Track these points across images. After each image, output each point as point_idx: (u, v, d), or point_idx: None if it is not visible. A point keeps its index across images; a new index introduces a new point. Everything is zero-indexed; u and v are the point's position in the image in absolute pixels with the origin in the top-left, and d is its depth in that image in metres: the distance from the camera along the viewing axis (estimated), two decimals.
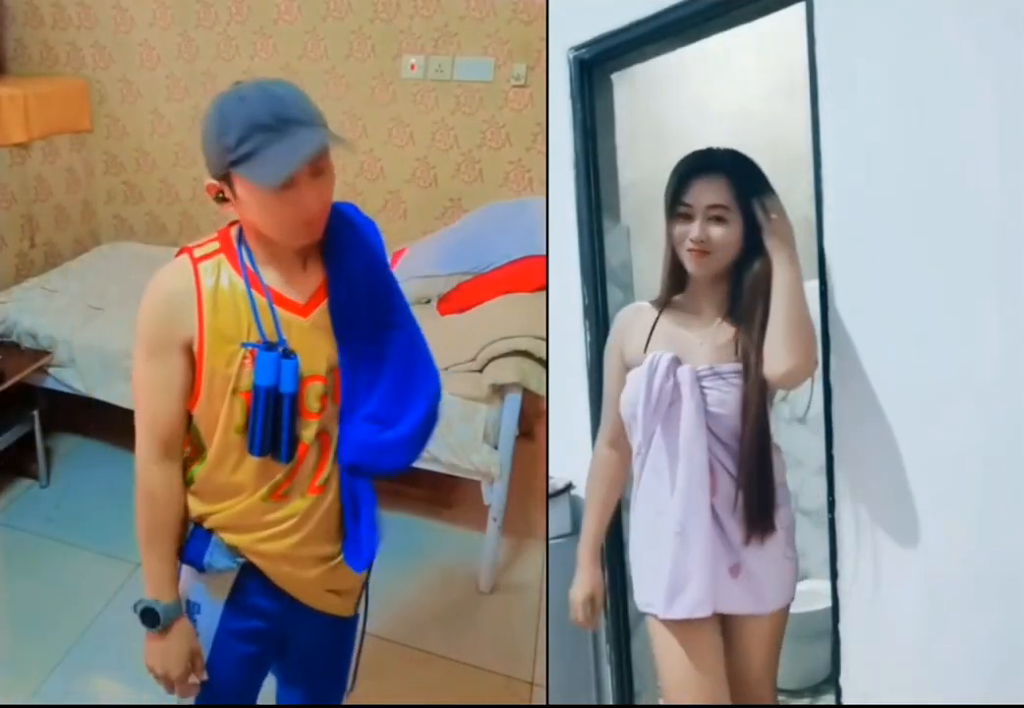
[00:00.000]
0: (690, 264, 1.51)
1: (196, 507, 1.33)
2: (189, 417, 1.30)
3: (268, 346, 1.23)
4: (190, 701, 1.40)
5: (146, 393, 1.28)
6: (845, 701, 1.63)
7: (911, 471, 1.46)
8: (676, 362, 1.50)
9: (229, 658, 1.39)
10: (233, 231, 1.28)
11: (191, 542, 1.34)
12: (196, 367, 1.24)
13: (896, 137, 1.44)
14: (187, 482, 1.33)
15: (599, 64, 2.11)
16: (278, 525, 1.32)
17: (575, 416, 2.23)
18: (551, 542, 2.25)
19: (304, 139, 1.14)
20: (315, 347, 1.27)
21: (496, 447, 2.55)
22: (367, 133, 3.69)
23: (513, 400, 2.52)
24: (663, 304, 1.61)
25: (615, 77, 2.16)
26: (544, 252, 2.35)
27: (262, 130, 1.12)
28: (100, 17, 3.74)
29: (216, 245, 1.27)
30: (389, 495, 2.92)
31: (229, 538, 1.32)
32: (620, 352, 1.62)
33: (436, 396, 1.39)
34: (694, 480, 1.48)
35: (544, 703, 2.22)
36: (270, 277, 1.26)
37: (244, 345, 1.22)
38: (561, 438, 2.25)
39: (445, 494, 3.01)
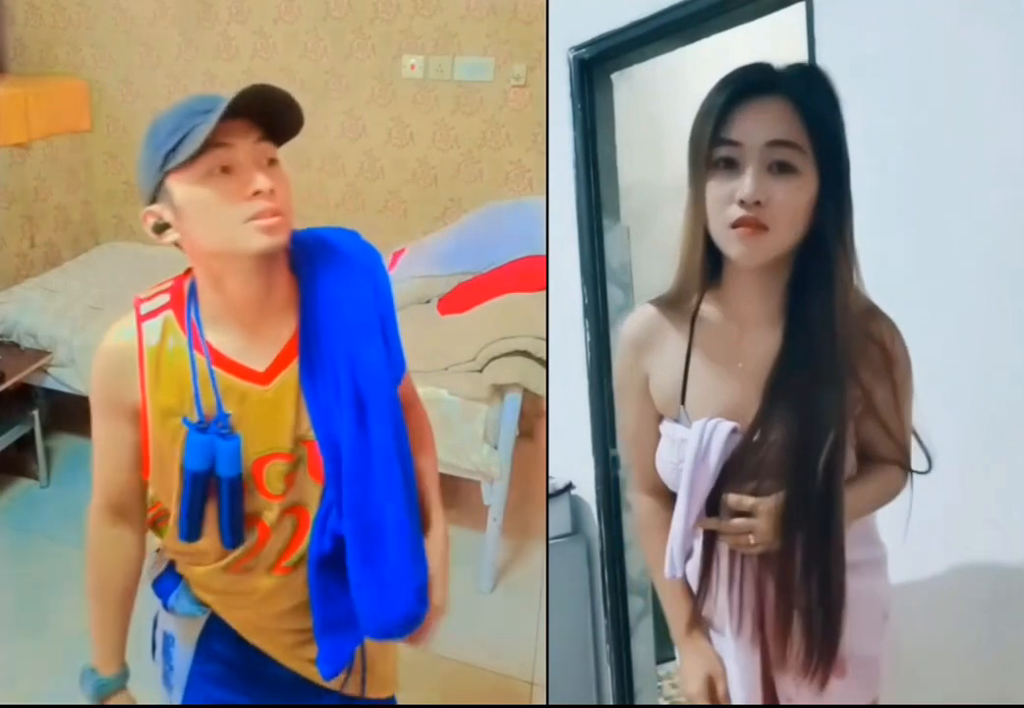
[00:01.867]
0: (735, 245, 0.99)
1: (169, 548, 1.20)
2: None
3: (200, 426, 1.05)
4: None
5: (98, 453, 1.19)
6: None
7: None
8: (735, 433, 1.08)
9: (203, 700, 1.27)
10: (187, 282, 1.11)
11: (162, 578, 1.24)
12: (143, 438, 1.12)
13: (896, 137, 1.44)
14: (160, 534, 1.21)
15: (599, 64, 2.11)
16: (243, 596, 1.18)
17: (575, 416, 2.23)
18: (551, 542, 2.25)
19: (233, 95, 0.96)
20: (277, 420, 1.08)
21: (496, 447, 2.55)
22: (367, 133, 3.69)
23: (513, 400, 2.52)
24: (691, 322, 1.12)
25: (615, 77, 2.16)
26: (544, 252, 2.36)
27: (194, 115, 0.98)
28: (100, 17, 3.74)
29: (165, 298, 1.11)
30: None
31: (197, 591, 1.21)
32: (642, 384, 1.19)
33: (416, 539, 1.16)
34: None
35: (544, 703, 2.22)
36: (223, 337, 1.07)
37: (184, 421, 1.06)
38: (561, 438, 2.25)
39: (445, 494, 2.99)
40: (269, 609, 1.19)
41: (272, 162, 1.02)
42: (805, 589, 1.05)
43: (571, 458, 2.26)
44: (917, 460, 1.14)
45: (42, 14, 3.77)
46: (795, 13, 1.56)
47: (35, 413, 2.94)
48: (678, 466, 1.10)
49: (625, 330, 1.20)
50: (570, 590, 2.28)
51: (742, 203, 0.97)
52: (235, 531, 1.09)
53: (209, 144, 0.95)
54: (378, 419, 1.08)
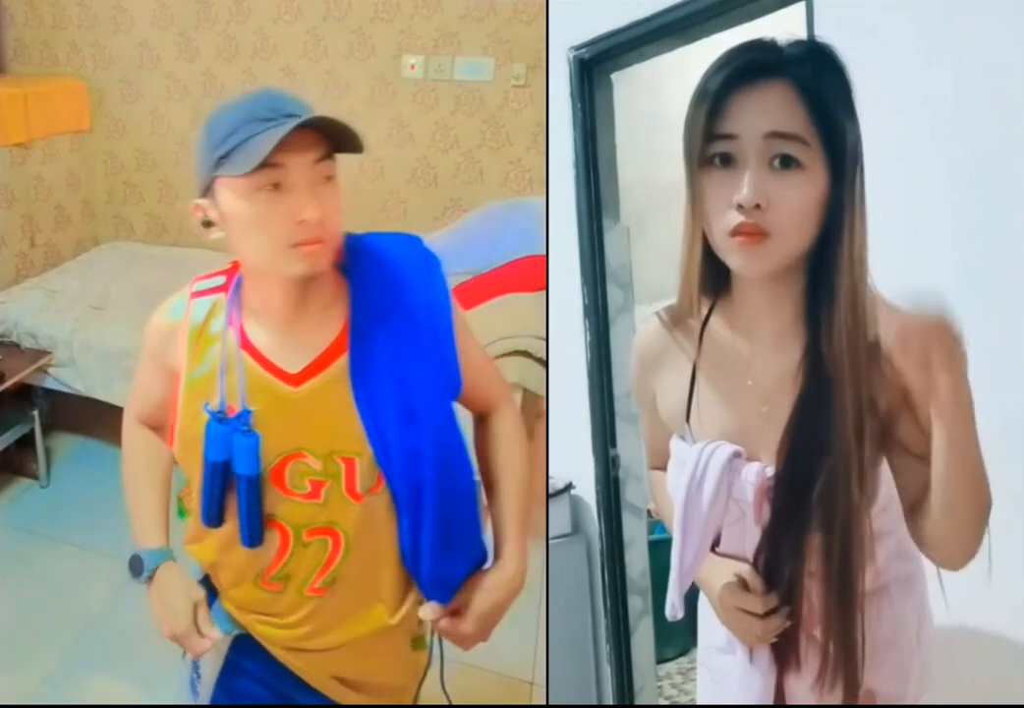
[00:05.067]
0: (734, 256, 0.90)
1: (207, 554, 1.19)
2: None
3: (221, 417, 1.05)
4: (209, 677, 1.27)
5: (137, 382, 1.26)
6: None
7: None
8: (737, 457, 0.98)
9: None
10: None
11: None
12: (173, 407, 1.12)
13: (896, 137, 1.44)
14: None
15: (599, 64, 2.11)
16: (279, 617, 1.17)
17: (575, 416, 2.24)
18: (551, 542, 2.25)
19: (290, 124, 0.93)
20: (306, 425, 1.06)
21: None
22: (367, 133, 3.67)
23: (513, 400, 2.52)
24: (699, 338, 1.03)
25: (615, 77, 2.16)
26: (544, 252, 2.36)
27: (252, 122, 0.95)
28: (100, 17, 3.73)
29: (221, 280, 1.11)
30: None
31: (232, 610, 1.21)
32: (651, 399, 1.13)
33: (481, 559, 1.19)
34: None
35: (544, 703, 2.22)
36: (260, 330, 1.07)
37: (206, 408, 1.05)
38: (561, 438, 2.25)
39: None
40: (303, 630, 1.17)
41: (329, 179, 0.99)
42: (822, 624, 0.98)
43: (571, 458, 2.26)
44: None
45: (42, 14, 3.77)
46: (795, 13, 1.56)
47: (35, 413, 2.94)
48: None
49: (636, 344, 1.15)
50: (570, 590, 2.28)
51: (740, 208, 0.86)
52: (253, 527, 1.08)
53: (262, 163, 0.92)
54: (428, 437, 1.07)
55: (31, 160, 3.52)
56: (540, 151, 3.48)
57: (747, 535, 1.01)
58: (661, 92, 2.70)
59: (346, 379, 1.06)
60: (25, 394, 3.00)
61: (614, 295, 2.19)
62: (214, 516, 1.11)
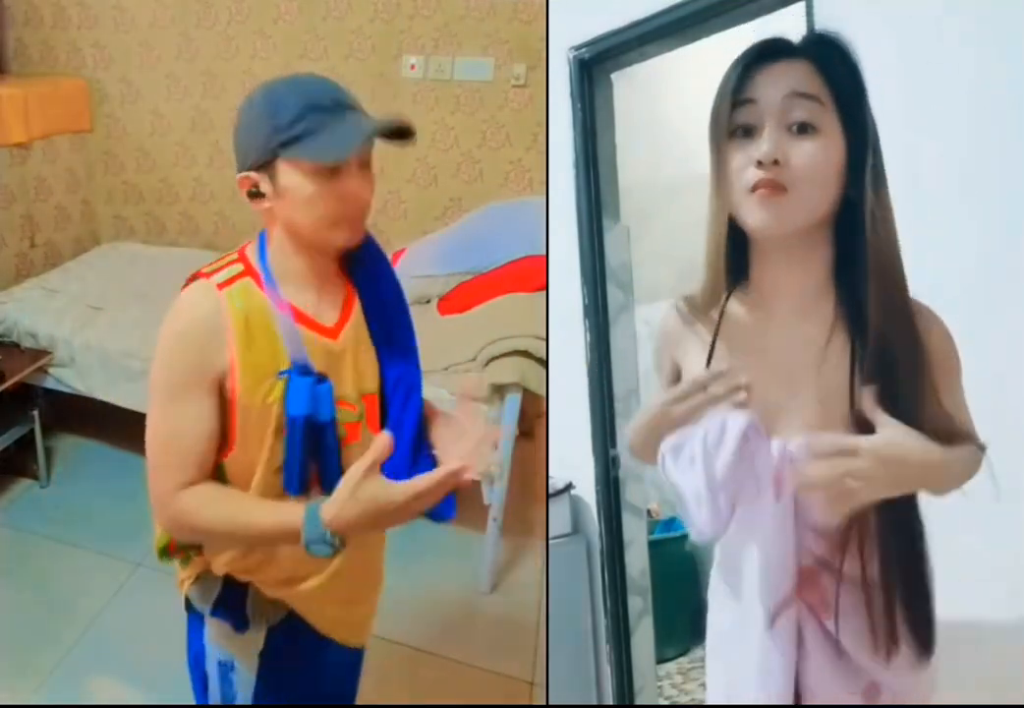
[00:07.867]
0: (754, 212, 0.93)
1: (227, 566, 1.19)
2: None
3: (303, 371, 1.11)
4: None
5: (174, 439, 1.11)
6: None
7: None
8: (755, 430, 0.95)
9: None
10: (251, 251, 1.16)
11: (221, 601, 1.23)
12: (230, 409, 1.11)
13: (895, 136, 1.44)
14: None
15: (599, 64, 2.11)
16: (317, 564, 1.18)
17: (575, 416, 2.24)
18: (551, 542, 2.25)
19: (364, 121, 1.07)
20: (344, 371, 1.17)
21: (496, 447, 2.55)
22: None
23: (513, 400, 2.52)
24: (720, 314, 1.04)
25: (615, 77, 2.16)
26: (544, 252, 2.36)
27: (319, 111, 1.06)
28: (100, 17, 3.73)
29: (239, 267, 1.14)
30: None
31: (268, 590, 1.22)
32: (676, 371, 1.13)
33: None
34: (771, 600, 1.00)
35: (544, 703, 2.22)
36: (297, 297, 1.15)
37: (281, 374, 1.10)
38: (561, 438, 2.25)
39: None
40: (331, 570, 1.20)
41: (365, 164, 1.10)
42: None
43: (571, 458, 2.26)
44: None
45: (42, 14, 3.77)
46: (795, 13, 1.57)
47: (35, 413, 2.94)
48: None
49: (658, 324, 1.17)
50: (570, 590, 2.28)
51: (760, 164, 0.91)
52: (337, 477, 1.06)
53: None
54: (415, 368, 1.26)
55: (31, 160, 3.52)
56: (540, 151, 3.48)
57: (761, 516, 0.98)
58: (661, 92, 2.70)
59: (363, 325, 1.21)
60: (25, 394, 3.00)
61: (614, 295, 2.19)
62: (304, 479, 1.13)
